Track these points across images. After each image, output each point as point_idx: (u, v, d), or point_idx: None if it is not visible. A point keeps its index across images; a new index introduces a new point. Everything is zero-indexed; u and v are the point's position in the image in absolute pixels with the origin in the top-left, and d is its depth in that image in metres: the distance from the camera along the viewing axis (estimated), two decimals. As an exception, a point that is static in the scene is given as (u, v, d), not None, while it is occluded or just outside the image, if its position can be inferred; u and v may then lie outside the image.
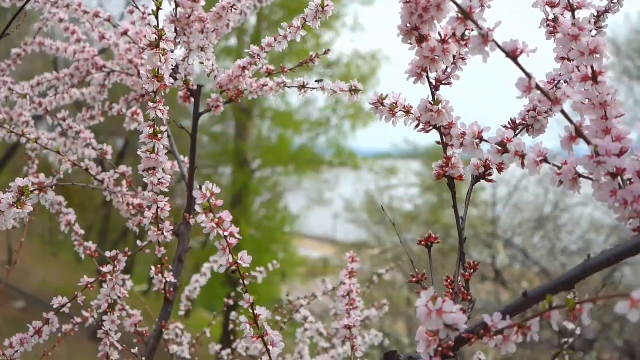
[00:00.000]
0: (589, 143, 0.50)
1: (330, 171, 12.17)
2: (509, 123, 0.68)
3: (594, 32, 0.71)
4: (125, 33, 1.04)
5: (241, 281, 0.64)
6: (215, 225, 0.61)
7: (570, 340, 1.12)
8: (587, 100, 0.55)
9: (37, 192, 0.65)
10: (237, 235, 0.62)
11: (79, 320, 1.12)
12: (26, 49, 1.30)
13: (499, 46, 0.50)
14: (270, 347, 0.63)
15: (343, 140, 11.85)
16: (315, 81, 0.97)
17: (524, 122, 0.67)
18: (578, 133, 0.51)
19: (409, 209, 9.87)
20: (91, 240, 1.07)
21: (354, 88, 0.83)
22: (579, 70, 0.54)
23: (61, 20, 1.17)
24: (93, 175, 0.98)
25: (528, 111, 0.67)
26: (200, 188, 0.60)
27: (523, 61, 0.51)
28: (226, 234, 0.61)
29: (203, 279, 1.44)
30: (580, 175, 0.54)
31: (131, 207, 0.99)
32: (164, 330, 0.97)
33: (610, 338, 5.82)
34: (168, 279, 0.95)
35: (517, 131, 0.67)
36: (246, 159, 11.22)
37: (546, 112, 0.66)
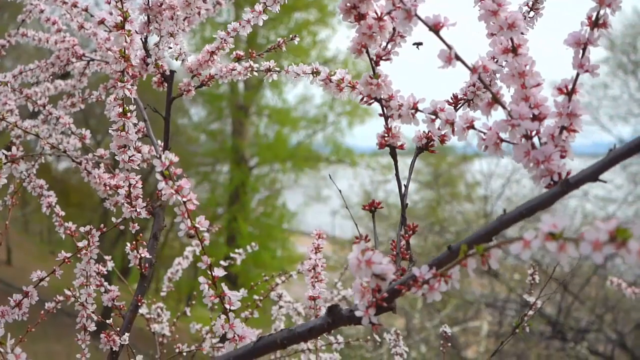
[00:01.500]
0: (504, 108, 0.55)
1: (327, 168, 12.22)
2: (451, 98, 0.73)
3: (531, 14, 0.76)
4: (102, 22, 1.08)
5: (200, 244, 0.69)
6: (174, 192, 0.66)
7: (530, 312, 1.16)
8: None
9: (9, 163, 0.69)
10: (195, 202, 0.67)
11: (60, 298, 1.17)
12: (10, 40, 1.35)
13: (422, 20, 0.55)
14: (227, 306, 0.68)
15: (340, 137, 11.90)
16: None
17: (465, 96, 0.72)
18: (495, 99, 0.56)
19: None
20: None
21: (315, 70, 0.87)
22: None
23: (42, 11, 1.22)
24: (71, 157, 1.03)
25: (469, 86, 0.72)
26: (160, 157, 0.65)
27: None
28: (185, 199, 0.66)
29: (185, 261, 1.49)
30: (502, 140, 0.59)
31: (108, 188, 1.04)
32: (139, 304, 1.02)
33: (602, 329, 5.88)
34: (143, 255, 1.00)
35: (459, 105, 0.72)
36: (244, 157, 11.26)
37: (485, 88, 0.71)
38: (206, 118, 11.69)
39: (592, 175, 0.51)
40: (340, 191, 0.96)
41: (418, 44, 0.66)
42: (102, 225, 0.95)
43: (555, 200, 0.52)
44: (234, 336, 0.67)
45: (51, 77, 1.23)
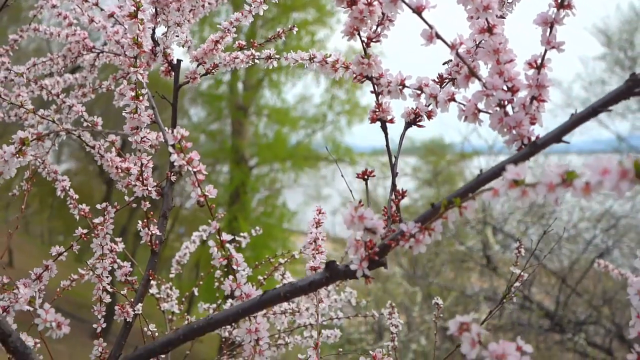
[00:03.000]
0: (480, 80, 0.62)
1: (327, 167, 12.28)
2: (437, 77, 0.80)
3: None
4: (111, 15, 1.16)
5: (210, 213, 0.76)
6: (185, 163, 0.73)
7: (517, 284, 1.23)
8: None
9: (35, 141, 0.76)
10: (205, 172, 0.74)
11: (75, 276, 1.24)
12: (22, 34, 1.42)
13: (406, 3, 0.62)
14: (234, 268, 0.75)
15: (339, 136, 11.97)
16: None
17: (449, 76, 0.79)
18: (471, 72, 0.63)
19: (405, 203, 9.99)
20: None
21: (312, 56, 0.94)
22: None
23: (54, 6, 1.29)
24: (85, 142, 1.10)
25: (452, 66, 0.79)
26: (172, 132, 0.72)
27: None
28: (195, 170, 0.73)
29: (192, 245, 1.56)
30: (479, 110, 0.66)
31: (119, 170, 1.11)
32: (151, 278, 1.09)
33: (600, 322, 5.95)
34: (153, 232, 1.07)
35: (444, 83, 0.79)
36: (243, 157, 11.33)
37: (463, 63, 0.77)
38: (206, 118, 11.76)
39: (557, 137, 0.58)
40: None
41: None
42: (115, 204, 1.02)
43: (525, 160, 0.59)
44: (241, 294, 0.74)
45: (62, 69, 1.30)
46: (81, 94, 1.28)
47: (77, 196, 1.22)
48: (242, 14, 1.01)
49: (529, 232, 7.03)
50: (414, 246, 0.62)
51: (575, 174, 0.44)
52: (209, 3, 1.13)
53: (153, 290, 1.39)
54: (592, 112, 0.56)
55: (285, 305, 1.16)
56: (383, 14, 0.71)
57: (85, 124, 1.19)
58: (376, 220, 0.61)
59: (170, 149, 0.72)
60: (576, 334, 5.36)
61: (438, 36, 0.62)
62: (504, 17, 0.83)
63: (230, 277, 0.75)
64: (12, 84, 1.38)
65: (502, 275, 5.95)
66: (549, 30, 0.63)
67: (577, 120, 0.57)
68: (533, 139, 0.62)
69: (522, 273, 1.21)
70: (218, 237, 0.76)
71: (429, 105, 0.72)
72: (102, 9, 1.19)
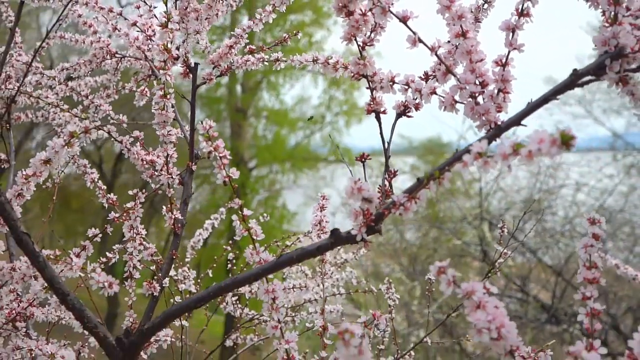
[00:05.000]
0: (455, 76, 0.76)
1: (326, 168, 12.42)
2: (423, 74, 0.94)
3: (485, 6, 0.97)
4: (134, 24, 1.29)
5: (233, 191, 0.90)
6: (213, 149, 0.87)
7: (501, 260, 1.37)
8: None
9: (83, 134, 0.90)
10: (228, 156, 0.88)
11: (103, 259, 1.38)
12: (49, 41, 1.56)
13: (394, 14, 0.76)
14: (254, 238, 0.89)
15: (338, 136, 12.11)
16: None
17: (433, 73, 0.93)
18: (448, 70, 0.77)
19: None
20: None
21: (315, 58, 1.08)
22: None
23: (80, 16, 1.43)
24: (114, 137, 1.24)
25: (435, 66, 0.92)
26: (202, 123, 0.86)
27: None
28: (221, 155, 0.87)
29: (205, 232, 1.70)
30: (456, 101, 0.80)
31: (144, 162, 1.25)
32: (174, 257, 1.23)
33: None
34: (176, 216, 1.21)
35: (429, 80, 0.93)
36: (243, 158, 11.46)
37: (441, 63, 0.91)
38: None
39: (516, 121, 0.72)
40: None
41: None
42: (144, 191, 1.16)
43: (491, 140, 0.73)
44: (260, 260, 0.88)
45: (88, 73, 1.44)
46: (106, 95, 1.42)
47: (104, 187, 1.36)
48: (254, 22, 1.15)
49: (525, 227, 7.18)
50: (403, 213, 0.76)
51: (521, 145, 0.58)
52: (222, 11, 1.27)
53: (171, 272, 1.52)
54: (543, 100, 0.71)
55: (293, 282, 1.30)
56: (376, 22, 0.85)
57: (111, 121, 1.33)
58: (372, 192, 0.75)
59: (200, 137, 0.86)
60: (571, 325, 5.50)
61: (420, 41, 0.76)
62: (479, 21, 0.98)
63: (250, 246, 0.89)
64: (40, 86, 1.52)
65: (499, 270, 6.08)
66: (511, 34, 0.77)
67: (532, 107, 0.71)
68: (499, 123, 0.76)
69: (504, 250, 1.35)
70: (240, 212, 0.90)
71: (416, 98, 0.86)
72: (125, 18, 1.33)
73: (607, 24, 0.69)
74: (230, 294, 1.73)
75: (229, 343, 1.72)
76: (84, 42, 1.46)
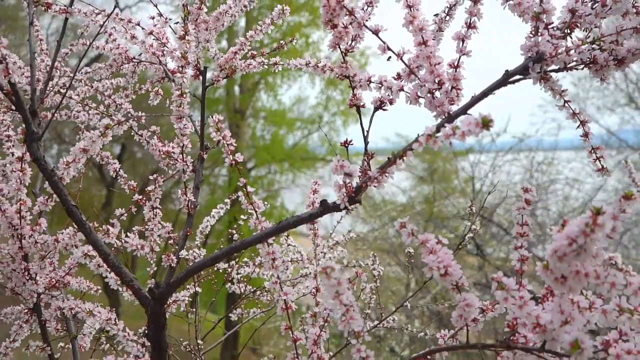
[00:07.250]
0: (416, 76, 0.96)
1: (324, 167, 12.60)
2: (396, 74, 1.13)
3: (448, 18, 1.17)
4: (150, 33, 1.49)
5: (239, 173, 1.09)
6: (221, 138, 1.07)
7: (470, 235, 1.56)
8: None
9: (115, 125, 1.10)
10: (234, 144, 1.08)
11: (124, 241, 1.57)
12: (72, 48, 1.75)
13: (367, 28, 0.96)
14: (256, 210, 1.09)
15: (336, 136, 12.30)
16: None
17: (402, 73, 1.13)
18: (411, 72, 0.97)
19: (403, 201, 10.28)
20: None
21: (307, 62, 1.28)
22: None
23: (101, 26, 1.62)
24: (135, 131, 1.44)
25: (403, 69, 1.12)
26: (212, 116, 1.06)
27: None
28: (228, 142, 1.07)
29: (212, 219, 1.90)
30: (419, 96, 1.00)
31: (161, 153, 1.45)
32: (188, 234, 1.43)
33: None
34: (190, 198, 1.41)
35: (402, 80, 1.13)
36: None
37: (417, 68, 1.11)
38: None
39: (462, 111, 0.92)
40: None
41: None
42: (162, 175, 1.35)
43: (442, 125, 0.93)
44: (262, 228, 1.08)
45: (110, 75, 1.64)
46: (124, 95, 1.62)
47: (125, 175, 1.56)
48: (255, 32, 1.35)
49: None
50: (378, 185, 0.96)
51: (457, 127, 0.78)
52: (226, 22, 1.47)
53: (182, 253, 1.72)
54: (482, 95, 0.91)
55: (291, 255, 1.49)
56: (356, 34, 1.05)
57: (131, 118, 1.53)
58: (353, 168, 0.95)
59: (211, 128, 1.06)
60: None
61: (389, 48, 0.96)
62: (442, 30, 1.18)
63: (254, 216, 1.09)
64: (64, 88, 1.71)
65: (490, 261, 6.29)
66: (461, 42, 0.97)
67: (474, 101, 0.91)
68: (451, 113, 0.96)
69: (473, 224, 1.55)
70: (245, 189, 1.09)
71: (388, 94, 1.06)
72: (143, 28, 1.53)
73: (531, 35, 0.89)
74: (236, 274, 1.93)
75: (233, 317, 1.92)
76: (104, 49, 1.66)
